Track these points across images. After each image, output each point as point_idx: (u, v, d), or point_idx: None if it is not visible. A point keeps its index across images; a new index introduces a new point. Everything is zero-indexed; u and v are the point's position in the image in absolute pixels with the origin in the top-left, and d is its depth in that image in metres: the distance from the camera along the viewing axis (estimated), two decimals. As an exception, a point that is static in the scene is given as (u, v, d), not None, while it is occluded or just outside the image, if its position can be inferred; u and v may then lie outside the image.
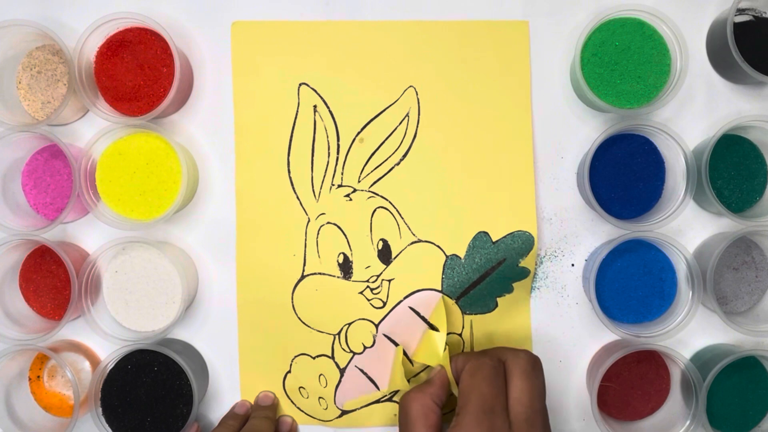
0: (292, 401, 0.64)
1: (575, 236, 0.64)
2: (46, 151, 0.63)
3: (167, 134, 0.59)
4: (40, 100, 0.62)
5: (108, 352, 0.62)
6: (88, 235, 0.64)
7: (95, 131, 0.60)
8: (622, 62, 0.60)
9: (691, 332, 0.63)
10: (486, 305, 0.63)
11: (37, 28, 0.58)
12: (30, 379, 0.63)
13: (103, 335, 0.60)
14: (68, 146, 0.59)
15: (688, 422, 0.60)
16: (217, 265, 0.64)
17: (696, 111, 0.63)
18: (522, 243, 0.63)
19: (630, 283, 0.62)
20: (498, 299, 0.63)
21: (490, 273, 0.63)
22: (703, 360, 0.62)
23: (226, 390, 0.64)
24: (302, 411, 0.64)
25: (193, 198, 0.64)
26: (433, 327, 0.62)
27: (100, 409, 0.60)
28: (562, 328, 0.64)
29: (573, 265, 0.64)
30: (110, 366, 0.60)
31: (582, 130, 0.64)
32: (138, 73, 0.61)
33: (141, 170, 0.61)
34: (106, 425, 0.60)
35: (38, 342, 0.59)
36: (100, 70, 0.61)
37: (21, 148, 0.63)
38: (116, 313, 0.62)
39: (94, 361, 0.63)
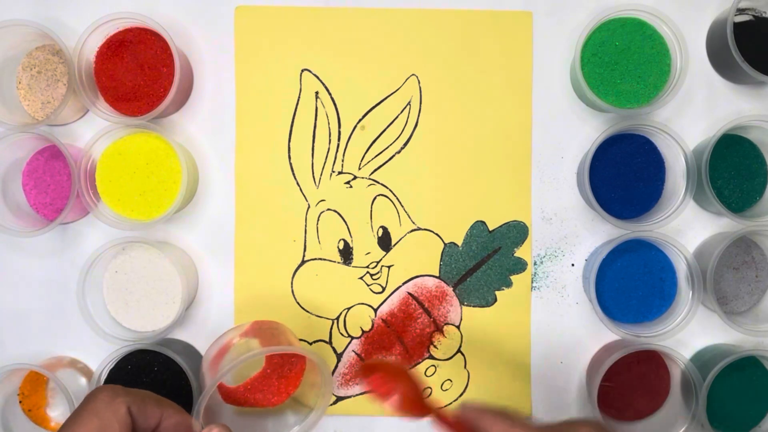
0: None
1: (575, 236, 0.64)
2: (46, 152, 0.63)
3: (167, 134, 0.59)
4: (40, 100, 0.62)
5: (108, 352, 0.61)
6: (88, 235, 0.64)
7: (95, 131, 0.60)
8: (622, 62, 0.60)
9: (691, 332, 0.63)
10: (484, 298, 0.64)
11: (37, 28, 0.58)
12: (20, 401, 0.63)
13: (103, 335, 0.60)
14: (68, 146, 0.59)
15: (688, 422, 0.60)
16: (217, 265, 0.64)
17: (696, 111, 0.63)
18: (517, 233, 0.63)
19: (630, 283, 0.62)
20: (497, 293, 0.64)
21: (486, 261, 0.63)
22: (703, 360, 0.62)
23: (226, 390, 0.64)
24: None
25: (193, 198, 0.64)
26: (429, 314, 0.63)
27: (100, 409, 0.60)
28: (562, 328, 0.64)
29: (573, 265, 0.64)
30: (110, 367, 0.60)
31: (582, 130, 0.64)
32: (138, 73, 0.61)
33: (141, 170, 0.61)
34: (106, 425, 0.60)
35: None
36: (100, 70, 0.61)
37: (21, 148, 0.62)
38: (116, 313, 0.62)
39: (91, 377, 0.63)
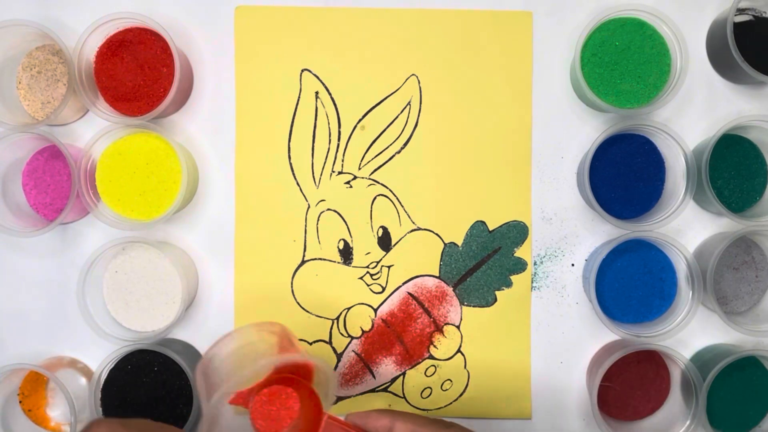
0: None
1: (575, 236, 0.64)
2: (46, 152, 0.63)
3: (167, 134, 0.59)
4: (40, 100, 0.62)
5: (108, 352, 0.61)
6: (88, 235, 0.64)
7: (95, 131, 0.60)
8: (622, 62, 0.60)
9: (691, 332, 0.63)
10: (484, 298, 0.64)
11: (37, 28, 0.58)
12: (20, 401, 0.63)
13: (103, 335, 0.60)
14: (68, 146, 0.59)
15: (688, 422, 0.60)
16: (217, 265, 0.64)
17: (696, 111, 0.63)
18: (517, 233, 0.64)
19: (630, 283, 0.62)
20: (497, 293, 0.64)
21: (486, 260, 0.63)
22: (703, 360, 0.62)
23: (226, 390, 0.64)
24: None
25: (193, 198, 0.64)
26: (429, 314, 0.63)
27: (100, 410, 0.60)
28: (562, 328, 0.64)
29: (573, 265, 0.64)
30: (109, 366, 0.60)
31: (582, 130, 0.64)
32: (138, 73, 0.61)
33: (141, 170, 0.61)
34: (106, 425, 0.60)
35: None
36: (100, 70, 0.61)
37: (21, 148, 0.63)
38: (116, 313, 0.62)
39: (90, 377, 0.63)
